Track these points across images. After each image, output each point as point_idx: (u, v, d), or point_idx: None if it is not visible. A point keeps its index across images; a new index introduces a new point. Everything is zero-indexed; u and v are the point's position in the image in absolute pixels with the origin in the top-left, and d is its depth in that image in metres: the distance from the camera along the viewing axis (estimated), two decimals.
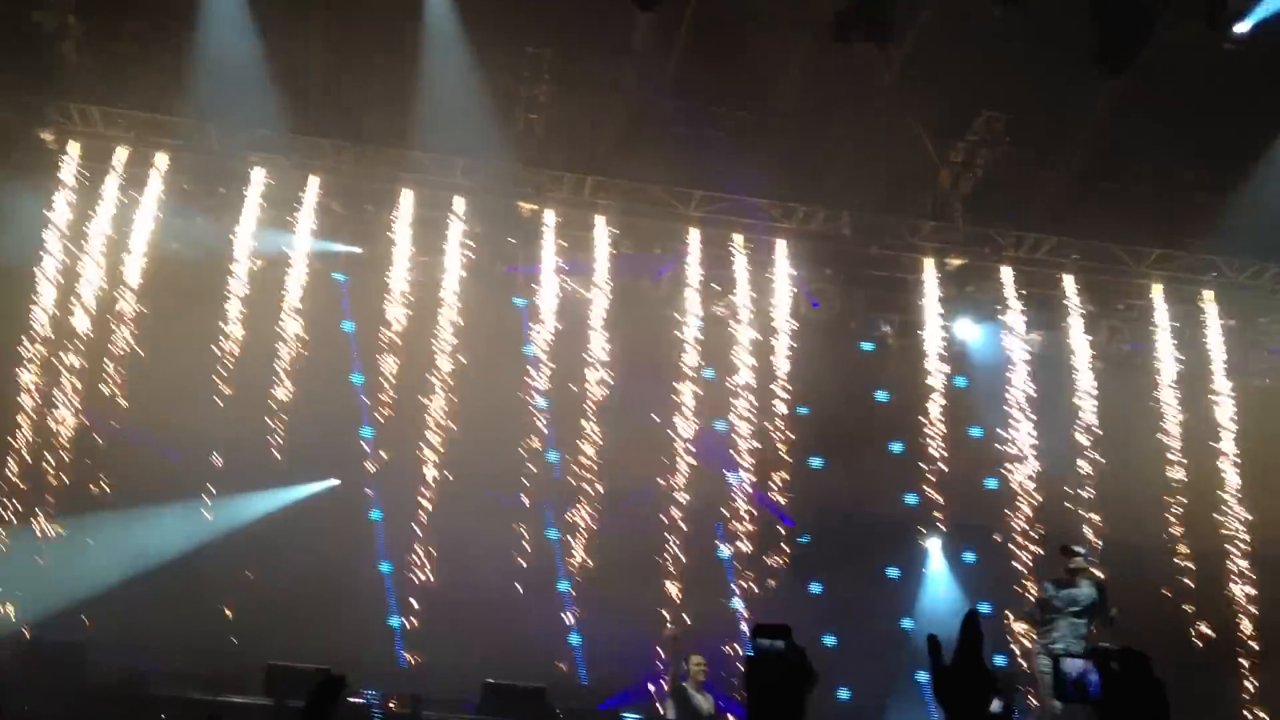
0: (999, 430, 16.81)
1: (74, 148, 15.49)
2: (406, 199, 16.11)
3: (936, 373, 16.85)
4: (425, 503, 15.78)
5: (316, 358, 15.84)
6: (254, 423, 15.38)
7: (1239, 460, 16.77)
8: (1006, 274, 17.00)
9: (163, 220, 15.69)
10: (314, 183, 15.94)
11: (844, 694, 15.98)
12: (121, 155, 15.58)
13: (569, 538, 16.13)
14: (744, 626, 15.86)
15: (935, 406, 16.78)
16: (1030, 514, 16.45)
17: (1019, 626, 14.79)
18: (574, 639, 16.00)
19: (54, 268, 15.31)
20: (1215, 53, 13.48)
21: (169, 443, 15.17)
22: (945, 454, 16.67)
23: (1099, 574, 12.18)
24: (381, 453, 15.99)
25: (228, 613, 14.73)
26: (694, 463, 16.26)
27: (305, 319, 15.83)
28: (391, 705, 12.99)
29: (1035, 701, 11.96)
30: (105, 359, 15.28)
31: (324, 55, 15.72)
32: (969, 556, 16.96)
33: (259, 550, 15.21)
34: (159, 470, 15.08)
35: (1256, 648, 16.32)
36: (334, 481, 16.16)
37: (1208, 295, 17.22)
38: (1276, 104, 14.77)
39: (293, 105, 15.34)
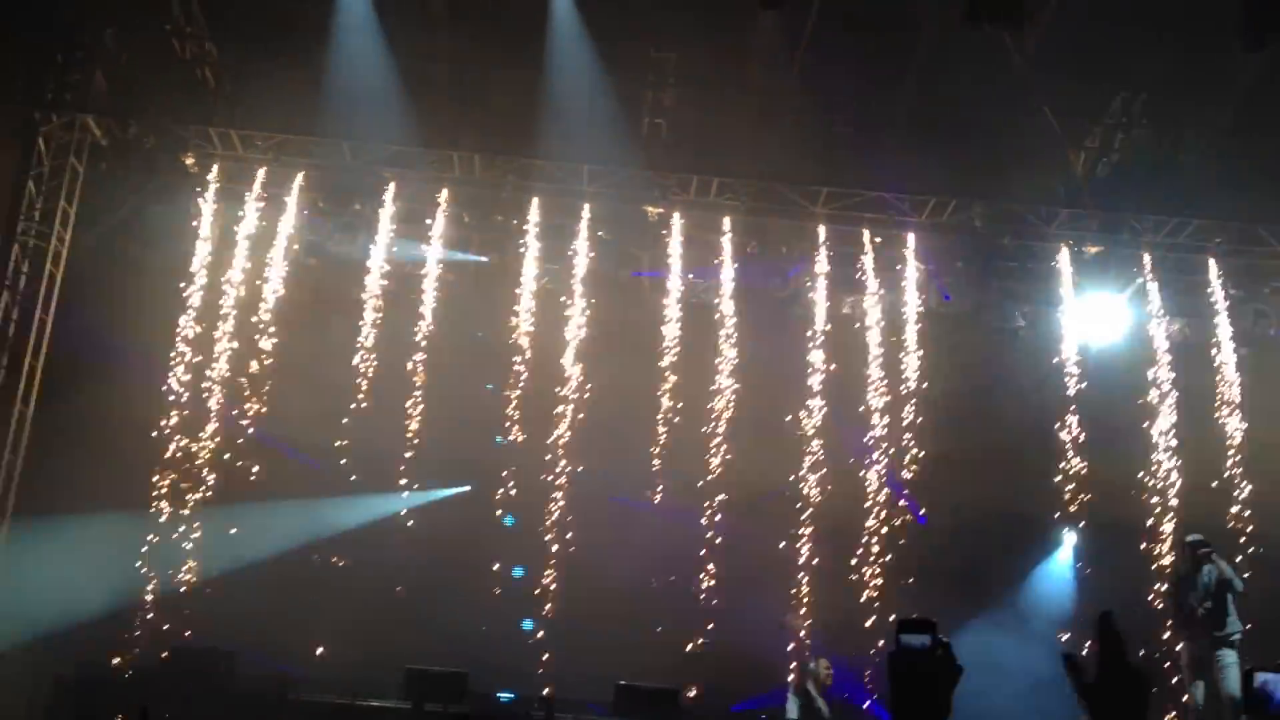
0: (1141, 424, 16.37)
1: (215, 170, 15.96)
2: (534, 207, 16.29)
3: (1073, 364, 16.47)
4: (556, 508, 15.92)
5: (451, 366, 16.09)
6: (390, 430, 15.72)
7: None
8: (1145, 260, 16.57)
9: (301, 237, 16.12)
10: (444, 194, 16.21)
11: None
12: (260, 175, 16.02)
13: (703, 542, 16.11)
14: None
15: (1073, 400, 16.39)
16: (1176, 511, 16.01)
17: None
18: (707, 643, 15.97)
19: (200, 282, 15.79)
20: None
21: (308, 449, 15.65)
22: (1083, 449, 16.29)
23: (1221, 562, 11.86)
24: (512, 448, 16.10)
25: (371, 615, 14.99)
26: (828, 462, 16.15)
27: (439, 328, 16.10)
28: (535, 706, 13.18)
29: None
30: (246, 372, 15.74)
31: (451, 67, 15.98)
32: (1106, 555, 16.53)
33: (395, 555, 15.53)
34: (299, 474, 15.58)
35: None
36: (466, 487, 16.40)
37: None
38: None
39: (422, 119, 15.62)
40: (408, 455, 15.83)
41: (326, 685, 13.52)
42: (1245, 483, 15.87)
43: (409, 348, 16.06)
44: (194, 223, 15.81)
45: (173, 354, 15.43)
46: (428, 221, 16.26)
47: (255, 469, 15.59)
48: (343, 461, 15.47)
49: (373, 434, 15.68)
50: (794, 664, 13.61)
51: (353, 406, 15.57)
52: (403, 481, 15.87)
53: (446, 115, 15.94)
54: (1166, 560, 15.57)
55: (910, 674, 2.47)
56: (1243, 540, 15.11)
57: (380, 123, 15.55)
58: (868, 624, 15.46)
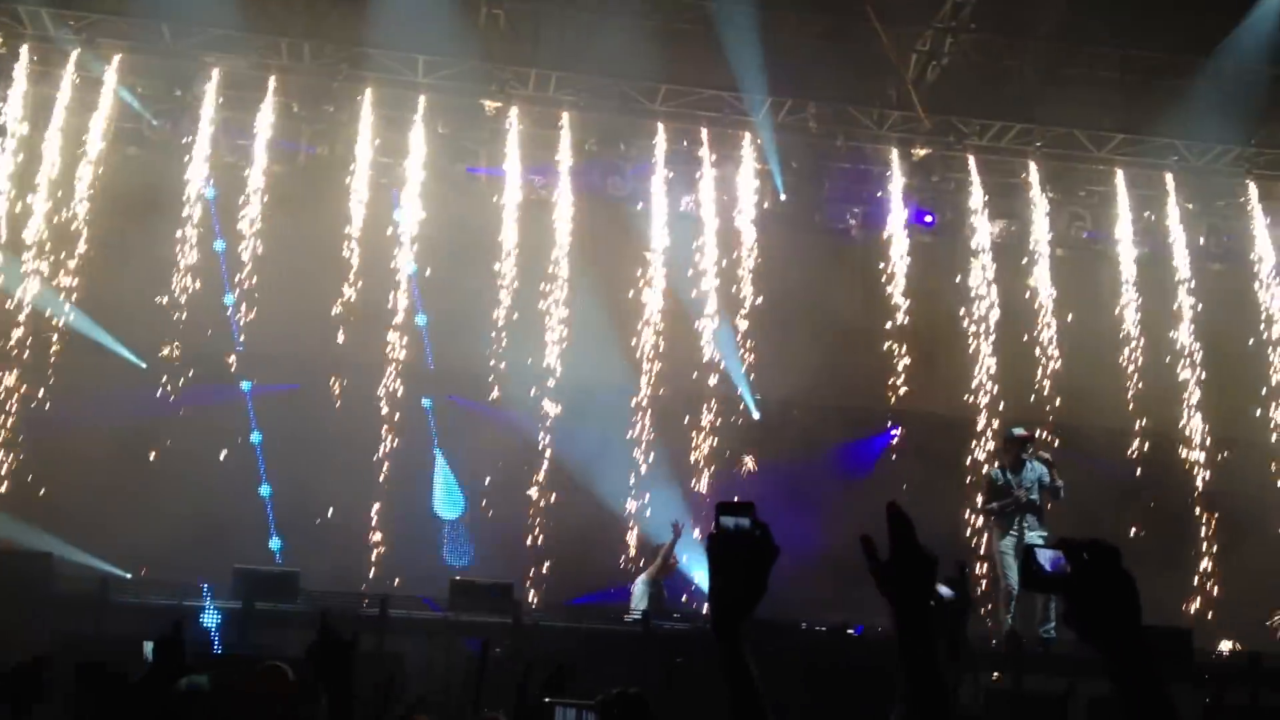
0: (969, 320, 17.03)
1: (24, 52, 15.04)
2: (367, 98, 15.82)
3: (901, 263, 16.98)
4: (387, 407, 15.76)
5: (281, 258, 15.66)
6: (217, 326, 15.29)
7: (1196, 347, 17.08)
8: (970, 162, 17.10)
9: (118, 124, 15.37)
10: (272, 82, 15.62)
11: None
12: (73, 58, 15.14)
13: (538, 440, 16.17)
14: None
15: (903, 299, 16.93)
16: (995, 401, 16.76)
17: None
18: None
19: (6, 174, 14.96)
20: None
21: (133, 345, 15.11)
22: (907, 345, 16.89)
23: (1045, 455, 12.54)
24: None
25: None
26: (666, 358, 16.38)
27: (270, 220, 15.61)
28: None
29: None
30: (64, 267, 15.05)
31: None
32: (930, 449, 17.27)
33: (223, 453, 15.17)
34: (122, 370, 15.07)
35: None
36: (296, 385, 16.05)
37: (1168, 179, 17.40)
38: None
39: (249, 2, 14.98)
40: (236, 352, 15.44)
41: (152, 587, 13.17)
42: (1056, 377, 16.71)
43: (234, 239, 15.57)
44: (2, 107, 14.92)
45: None
46: (255, 111, 15.67)
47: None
48: (168, 355, 15.00)
49: (200, 330, 15.23)
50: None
51: (180, 299, 15.07)
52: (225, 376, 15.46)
53: (275, 1, 15.30)
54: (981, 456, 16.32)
55: (728, 555, 2.56)
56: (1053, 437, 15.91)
57: (204, 5, 14.82)
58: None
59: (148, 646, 6.78)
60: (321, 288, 15.90)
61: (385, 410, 15.92)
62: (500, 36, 15.72)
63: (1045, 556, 2.49)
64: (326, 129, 16.01)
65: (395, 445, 15.90)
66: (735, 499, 2.87)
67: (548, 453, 16.18)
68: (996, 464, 13.08)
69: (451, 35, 15.25)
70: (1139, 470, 16.93)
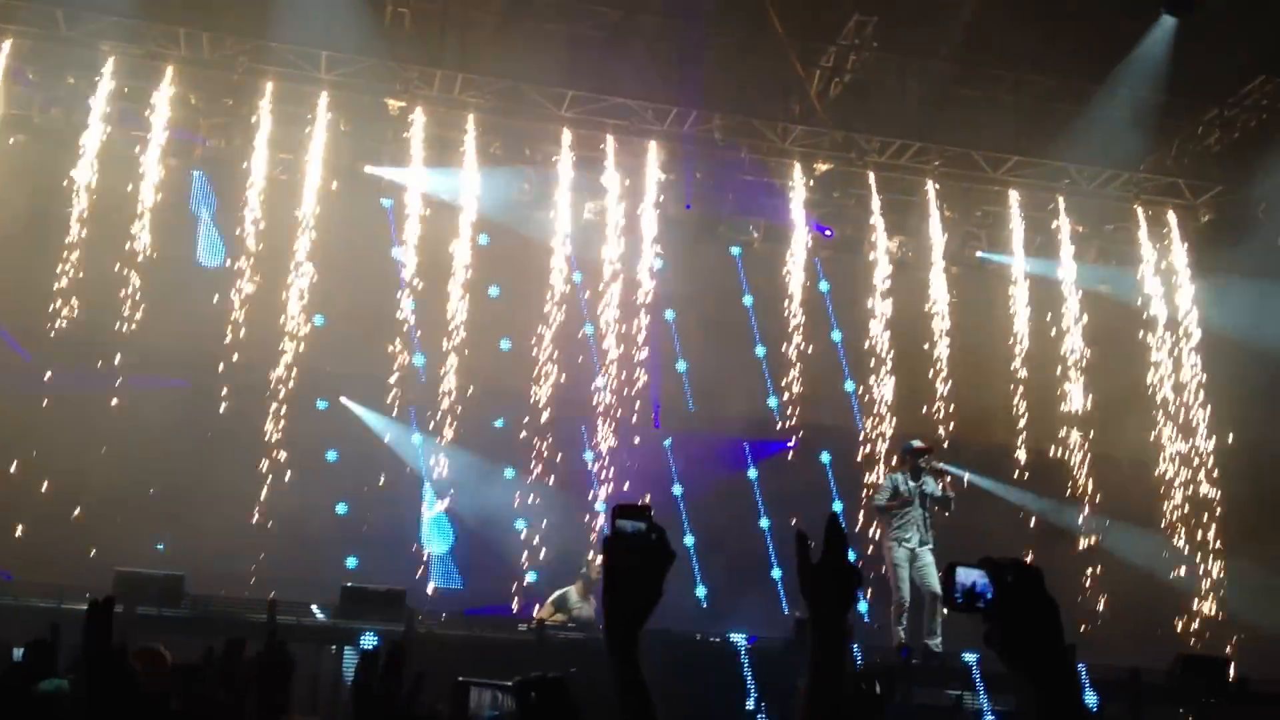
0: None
1: None
2: (267, 92, 15.53)
3: (799, 276, 17.17)
4: (282, 407, 15.47)
5: (171, 253, 15.28)
6: (104, 322, 14.88)
7: (1079, 366, 17.53)
8: (871, 179, 17.36)
9: (6, 111, 14.90)
10: (169, 73, 15.25)
11: (700, 591, 16.40)
12: None
13: (436, 445, 16.02)
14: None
15: (798, 311, 17.13)
16: (887, 416, 17.02)
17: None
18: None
19: None
20: None
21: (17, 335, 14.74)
22: (804, 359, 17.10)
23: (938, 466, 12.78)
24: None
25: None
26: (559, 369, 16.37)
27: (160, 213, 15.25)
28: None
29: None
30: None
31: None
32: (825, 458, 17.51)
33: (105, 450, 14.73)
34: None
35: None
36: (183, 382, 15.64)
37: (1060, 201, 17.84)
38: (1131, 14, 15.25)
39: None
40: (122, 348, 15.02)
41: (30, 589, 12.73)
42: (949, 393, 17.04)
43: (123, 235, 15.15)
44: None
45: None
46: (151, 102, 15.30)
47: None
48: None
49: (88, 323, 14.82)
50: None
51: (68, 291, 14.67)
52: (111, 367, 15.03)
53: None
54: (878, 471, 16.53)
55: (624, 558, 2.56)
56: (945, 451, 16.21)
57: None
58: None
59: (17, 652, 6.53)
60: (215, 283, 15.57)
61: (278, 410, 15.58)
62: (406, 36, 15.55)
63: (968, 576, 2.49)
64: (225, 122, 15.68)
65: (285, 447, 15.57)
66: (635, 503, 2.86)
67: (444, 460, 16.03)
68: (896, 472, 13.23)
69: (356, 32, 15.06)
70: (1026, 487, 17.31)
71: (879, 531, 13.55)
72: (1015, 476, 17.33)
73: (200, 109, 15.61)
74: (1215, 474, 17.15)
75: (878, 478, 15.45)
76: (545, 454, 16.19)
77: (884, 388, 17.09)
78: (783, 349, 17.24)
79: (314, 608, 13.06)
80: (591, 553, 13.62)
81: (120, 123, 15.28)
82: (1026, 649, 2.36)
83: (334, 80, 15.60)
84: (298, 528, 14.94)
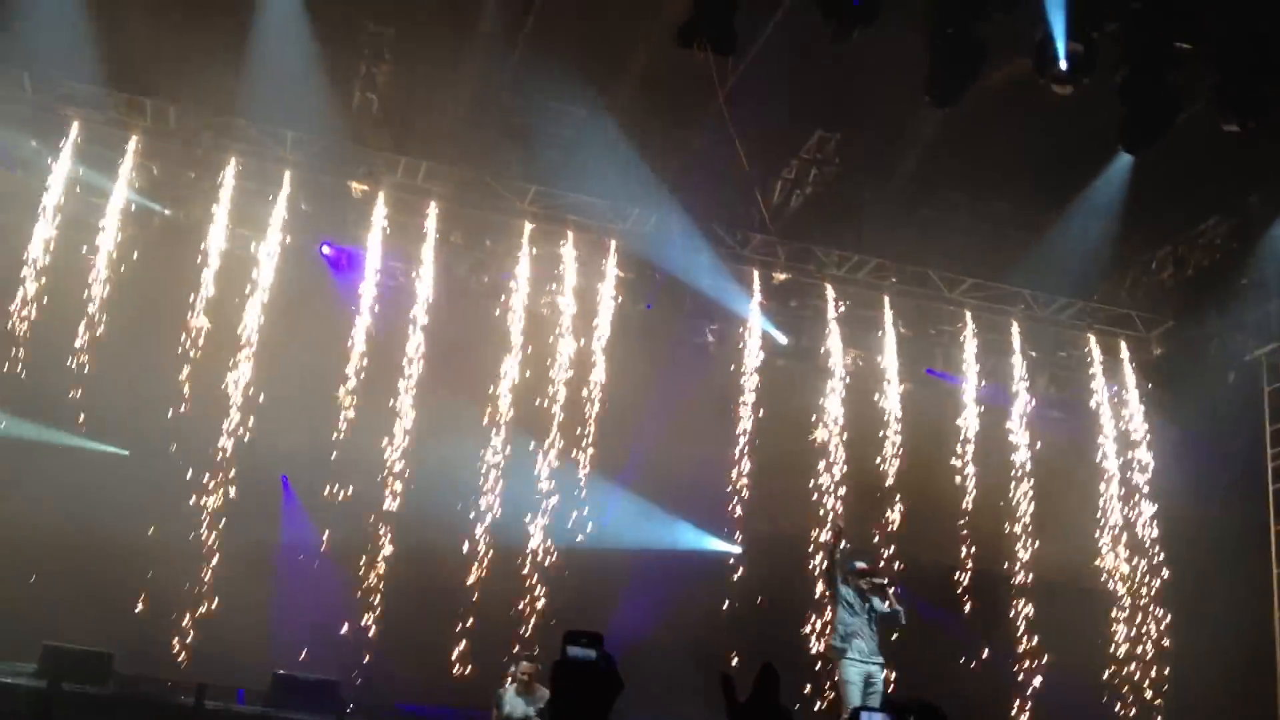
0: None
1: None
2: (230, 168, 15.61)
3: (752, 378, 17.17)
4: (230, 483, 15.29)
5: (126, 321, 15.20)
6: (52, 387, 14.72)
7: (1029, 490, 17.53)
8: (828, 291, 17.49)
9: None
10: (134, 142, 15.32)
11: None
12: None
13: (375, 535, 15.82)
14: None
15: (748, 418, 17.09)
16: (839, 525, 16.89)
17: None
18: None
19: None
20: (1041, 94, 14.02)
21: None
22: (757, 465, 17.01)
23: (882, 581, 12.62)
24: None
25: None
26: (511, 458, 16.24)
27: (120, 280, 15.21)
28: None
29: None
30: None
31: (151, 7, 15.04)
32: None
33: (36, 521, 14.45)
34: None
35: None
36: (124, 452, 15.42)
37: (1014, 326, 17.99)
38: (1090, 149, 15.49)
39: (117, 60, 14.68)
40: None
41: None
42: (897, 504, 16.98)
43: (80, 302, 15.07)
44: None
45: None
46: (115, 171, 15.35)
47: None
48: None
49: (36, 388, 14.67)
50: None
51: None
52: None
53: (142, 59, 14.95)
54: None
55: (573, 685, 2.48)
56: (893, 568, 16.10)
57: (68, 57, 14.49)
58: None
59: None
60: (167, 354, 15.45)
61: (217, 486, 15.39)
62: (372, 121, 15.70)
63: None
64: (186, 194, 15.72)
65: (225, 523, 15.35)
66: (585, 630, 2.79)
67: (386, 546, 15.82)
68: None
69: (323, 114, 15.17)
70: (968, 608, 17.19)
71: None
72: (959, 596, 17.21)
73: (162, 179, 15.62)
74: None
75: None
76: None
77: (834, 500, 17.01)
78: (733, 454, 17.12)
79: (241, 695, 12.82)
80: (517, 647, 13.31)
81: (82, 188, 15.26)
82: None
83: (298, 160, 15.67)
84: (234, 612, 14.68)
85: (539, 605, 15.96)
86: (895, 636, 12.56)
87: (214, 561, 15.07)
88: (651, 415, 16.89)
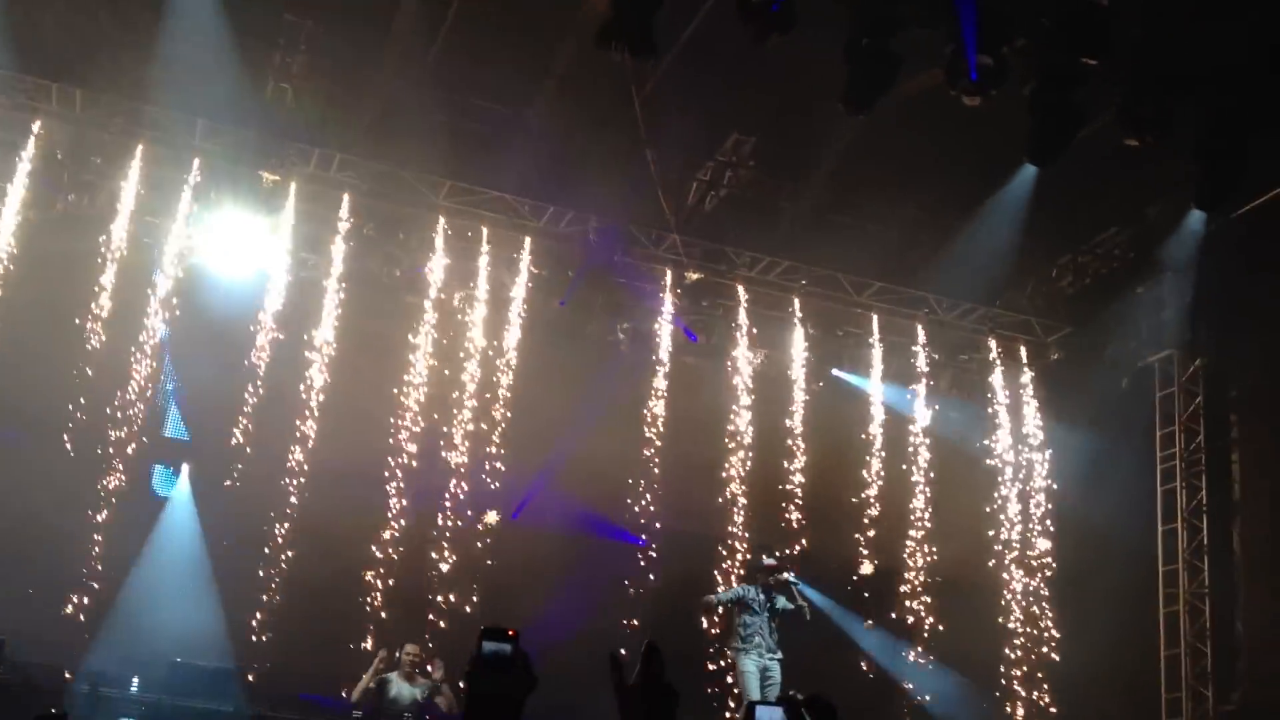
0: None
1: None
2: (137, 156, 15.29)
3: (662, 379, 17.32)
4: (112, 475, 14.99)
5: (27, 307, 14.83)
6: None
7: (927, 489, 17.95)
8: (740, 291, 17.70)
9: None
10: (38, 126, 14.93)
11: None
12: None
13: (277, 525, 15.64)
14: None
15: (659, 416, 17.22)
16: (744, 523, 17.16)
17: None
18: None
19: None
20: (952, 104, 14.34)
21: None
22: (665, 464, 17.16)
23: (787, 577, 12.85)
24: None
25: None
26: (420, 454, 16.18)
27: (18, 266, 14.83)
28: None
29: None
30: None
31: None
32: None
33: None
34: None
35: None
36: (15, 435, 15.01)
37: (918, 329, 18.40)
38: (998, 159, 15.87)
39: (22, 42, 14.31)
40: None
41: None
42: (799, 501, 17.27)
43: None
44: None
45: None
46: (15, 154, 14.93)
47: None
48: None
49: None
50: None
51: None
52: None
53: (54, 44, 14.58)
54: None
55: (487, 680, 2.54)
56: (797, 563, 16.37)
57: None
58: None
59: None
60: (66, 342, 15.09)
61: (114, 473, 15.08)
62: (286, 111, 15.47)
63: (768, 715, 2.55)
64: (91, 180, 15.37)
65: (118, 511, 15.05)
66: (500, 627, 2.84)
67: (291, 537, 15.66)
68: (746, 584, 13.23)
69: (235, 103, 14.91)
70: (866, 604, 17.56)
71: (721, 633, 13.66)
72: (858, 593, 17.56)
73: (66, 165, 15.25)
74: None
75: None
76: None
77: (740, 498, 17.24)
78: (645, 453, 17.23)
79: (135, 682, 12.65)
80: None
81: None
82: None
83: (208, 148, 15.42)
84: (129, 599, 14.44)
85: (451, 598, 15.94)
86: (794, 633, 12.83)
87: (107, 550, 14.77)
88: (562, 412, 16.97)
